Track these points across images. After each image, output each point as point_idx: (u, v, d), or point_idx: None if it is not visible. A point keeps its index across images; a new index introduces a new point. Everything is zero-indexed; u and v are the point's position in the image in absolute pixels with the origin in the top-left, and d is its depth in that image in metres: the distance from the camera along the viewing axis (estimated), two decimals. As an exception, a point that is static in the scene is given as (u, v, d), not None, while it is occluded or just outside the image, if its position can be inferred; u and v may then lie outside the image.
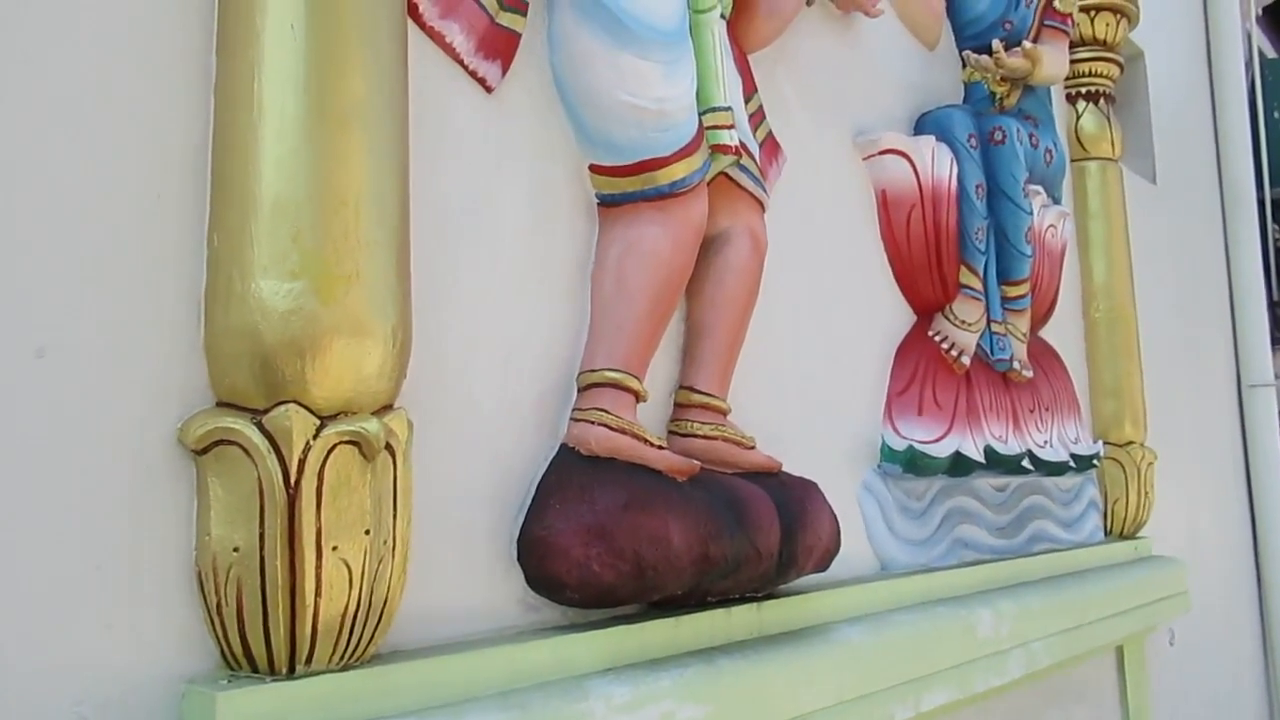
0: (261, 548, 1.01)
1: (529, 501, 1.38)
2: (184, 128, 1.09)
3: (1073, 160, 3.09)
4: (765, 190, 1.74)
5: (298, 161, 1.06)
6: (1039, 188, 2.59)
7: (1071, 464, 2.62)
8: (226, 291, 1.06)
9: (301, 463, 1.03)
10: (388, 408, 1.13)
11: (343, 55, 1.09)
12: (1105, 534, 3.00)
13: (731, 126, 1.59)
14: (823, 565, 1.71)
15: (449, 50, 1.35)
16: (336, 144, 1.08)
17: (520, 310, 1.42)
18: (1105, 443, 2.98)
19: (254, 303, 1.05)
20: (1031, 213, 2.47)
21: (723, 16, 1.67)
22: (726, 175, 1.64)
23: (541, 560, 1.34)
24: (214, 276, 1.08)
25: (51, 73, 1.00)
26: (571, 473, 1.38)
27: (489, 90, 1.41)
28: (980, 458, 2.24)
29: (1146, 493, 3.04)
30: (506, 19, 1.42)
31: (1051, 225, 2.68)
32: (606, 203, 1.53)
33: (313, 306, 1.05)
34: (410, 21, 1.28)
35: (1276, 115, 5.04)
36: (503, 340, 1.39)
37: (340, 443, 1.05)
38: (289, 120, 1.07)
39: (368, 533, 1.07)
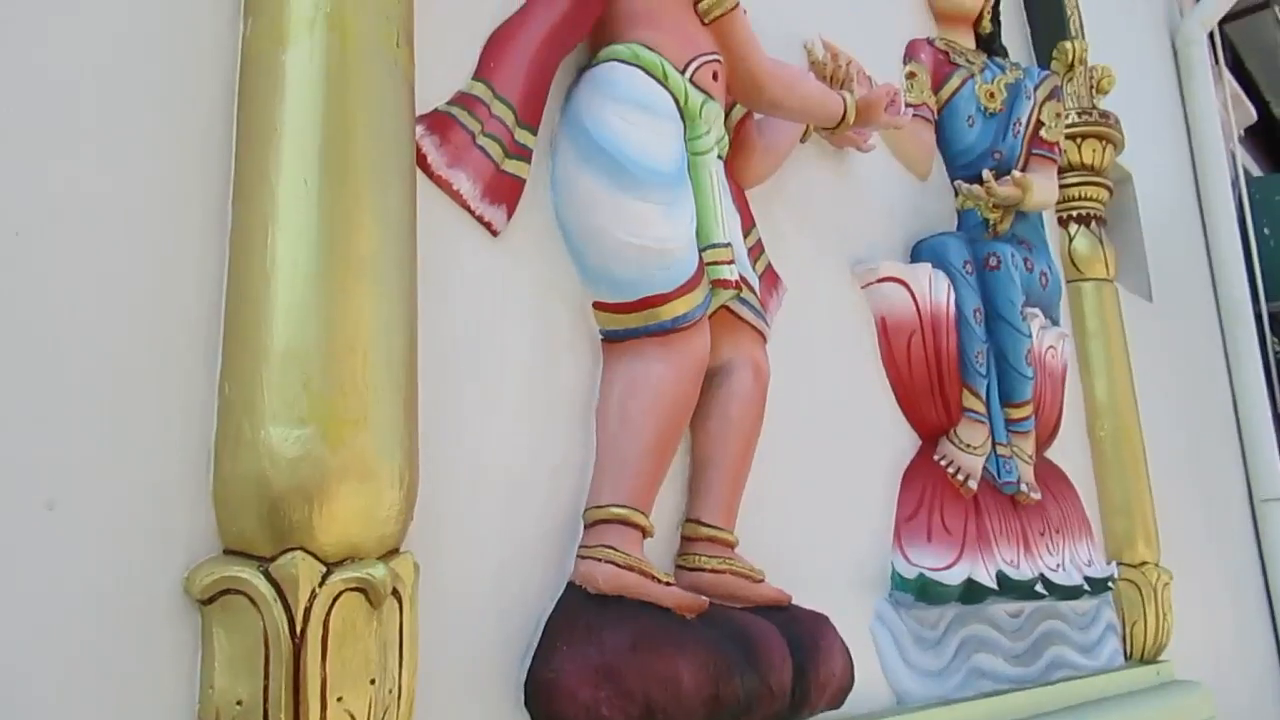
0: (265, 701, 1.00)
1: (536, 642, 1.36)
2: (198, 277, 1.12)
3: (1068, 281, 3.14)
4: (766, 321, 1.77)
5: (309, 310, 1.09)
6: (1036, 310, 2.62)
7: (1086, 587, 2.58)
8: (236, 439, 1.07)
9: (307, 611, 1.02)
10: (394, 551, 1.13)
11: (354, 208, 1.13)
12: (1125, 658, 2.93)
13: (731, 261, 1.63)
14: (836, 702, 1.67)
15: (456, 197, 1.40)
16: (347, 293, 1.10)
17: (526, 447, 1.43)
18: (1119, 563, 2.94)
19: (263, 449, 1.06)
20: (1030, 335, 2.49)
21: (720, 156, 1.72)
22: (728, 308, 1.67)
23: (550, 703, 1.31)
24: (224, 424, 1.09)
25: (69, 218, 1.03)
26: (579, 612, 1.36)
27: (494, 234, 1.45)
28: (993, 584, 2.21)
29: (1165, 614, 2.98)
30: (511, 166, 1.47)
31: (1051, 346, 2.70)
32: (610, 339, 1.56)
33: (321, 452, 1.06)
34: (419, 171, 1.33)
35: (1266, 231, 5.13)
36: (508, 478, 1.39)
37: (346, 590, 1.04)
38: (301, 271, 1.10)
39: (373, 682, 1.05)
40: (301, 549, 1.04)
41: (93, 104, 1.07)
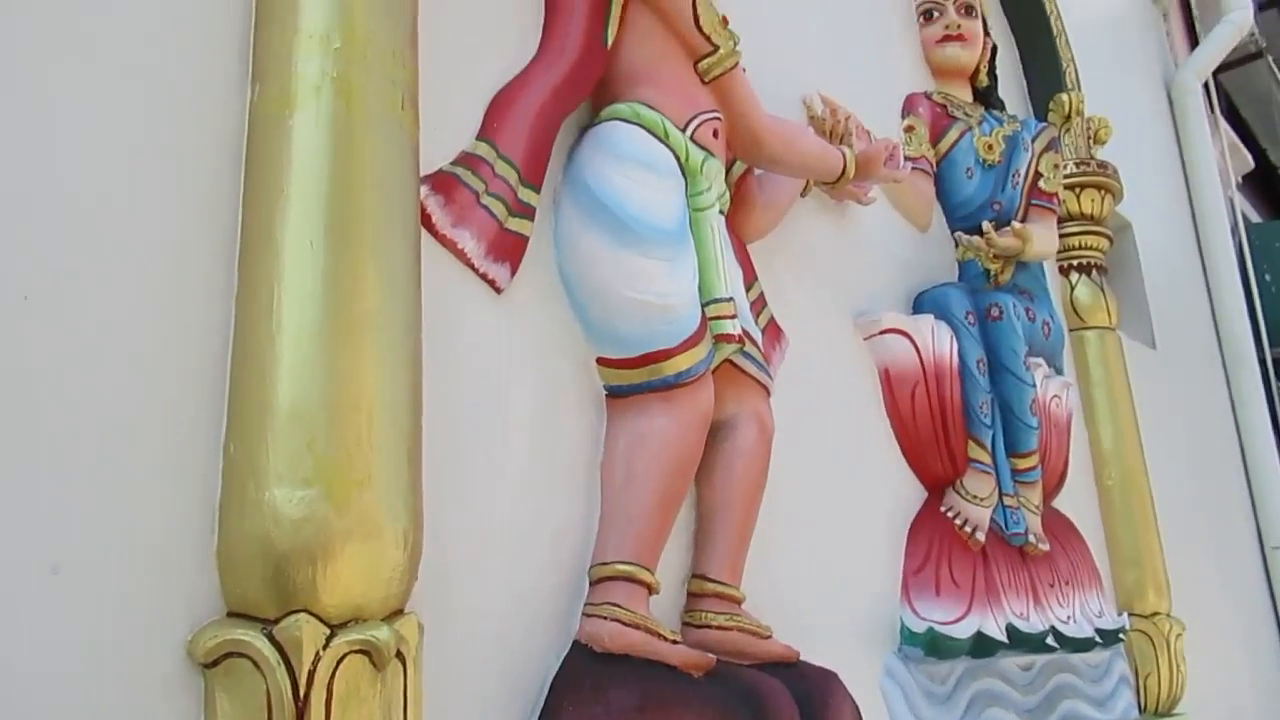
0: (268, 767, 0.99)
1: (542, 702, 1.34)
2: (204, 340, 1.13)
3: (1071, 330, 3.14)
4: (770, 375, 1.77)
5: (314, 370, 1.10)
6: (1040, 360, 2.63)
7: (1097, 639, 2.55)
8: (241, 500, 1.07)
9: (311, 674, 1.01)
10: (398, 612, 1.12)
11: (359, 269, 1.14)
12: (1140, 711, 2.88)
13: (734, 316, 1.64)
14: (847, 760, 1.64)
15: (460, 255, 1.41)
16: (352, 353, 1.11)
17: (530, 505, 1.42)
18: (1130, 614, 2.90)
19: (268, 510, 1.06)
20: (1034, 385, 2.49)
21: (721, 212, 1.74)
22: (731, 362, 1.68)
23: (556, 765, 1.29)
24: (229, 485, 1.09)
25: (77, 281, 1.04)
26: (585, 671, 1.35)
27: (498, 291, 1.46)
28: (1003, 637, 2.19)
29: (1179, 666, 2.94)
30: (514, 224, 1.48)
31: (1055, 396, 2.70)
32: (614, 394, 1.56)
33: (325, 512, 1.06)
34: (424, 230, 1.34)
35: (1268, 278, 5.14)
36: (513, 536, 1.39)
37: (350, 652, 1.03)
38: (306, 331, 1.10)
39: (377, 746, 1.04)
40: (305, 611, 1.03)
41: (102, 167, 1.08)
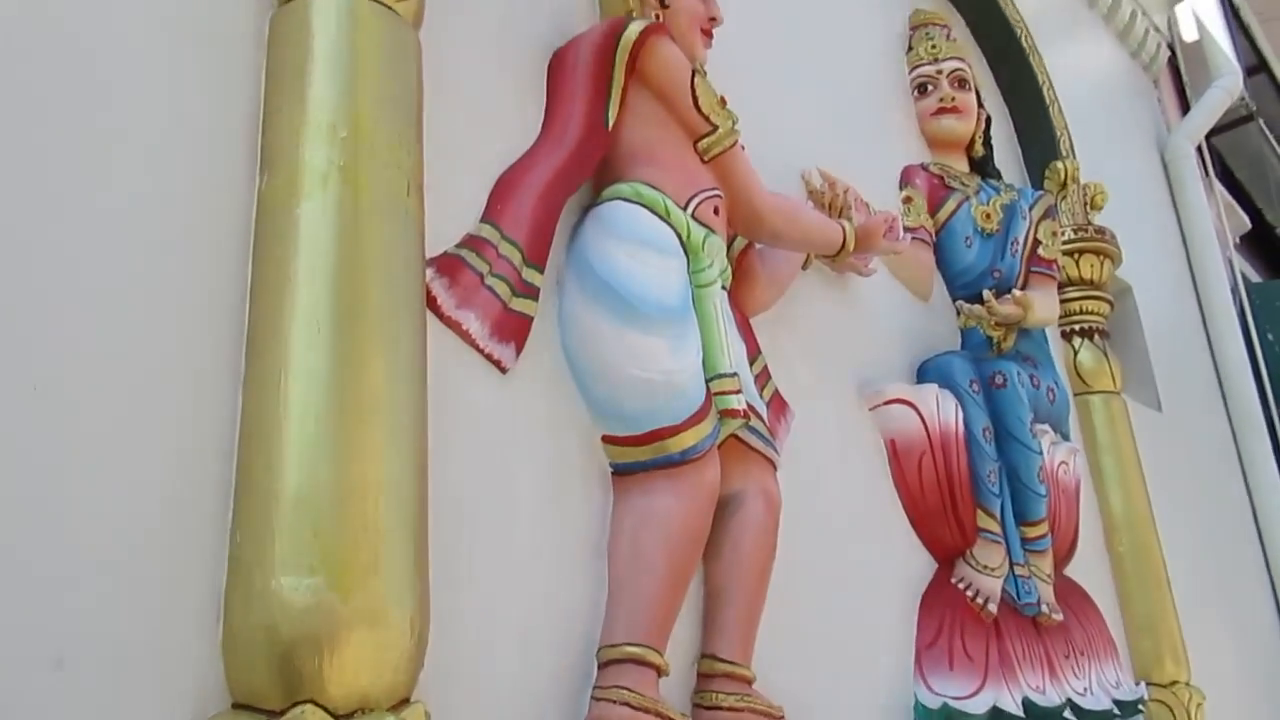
0: None
1: (550, 791, 1.32)
2: (211, 427, 1.13)
3: (1075, 395, 3.14)
4: (775, 449, 1.77)
5: (320, 456, 1.10)
6: (1046, 426, 2.62)
7: (1116, 711, 2.50)
8: (247, 590, 1.07)
9: (316, 768, 1.00)
10: (405, 701, 1.10)
11: (366, 352, 1.15)
12: (1163, 785, 2.81)
13: (738, 391, 1.64)
14: (864, 844, 1.60)
15: (465, 337, 1.42)
16: (358, 437, 1.11)
17: (537, 586, 1.41)
18: (1148, 684, 2.85)
19: (273, 599, 1.05)
20: (1041, 452, 2.48)
21: (724, 287, 1.75)
22: (737, 437, 1.67)
23: None
24: (234, 575, 1.08)
25: (85, 373, 1.05)
26: (595, 757, 1.32)
27: (503, 371, 1.46)
28: (1019, 711, 2.15)
29: (1200, 736, 2.88)
30: (519, 304, 1.49)
31: (1063, 462, 2.69)
32: (620, 472, 1.56)
33: (331, 601, 1.05)
34: (429, 313, 1.35)
35: (1270, 337, 5.14)
36: (520, 618, 1.38)
37: (356, 745, 1.02)
38: (313, 417, 1.11)
39: (384, 841, 1.02)
40: (311, 702, 1.02)
41: (112, 255, 1.10)
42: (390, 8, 1.31)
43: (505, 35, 1.67)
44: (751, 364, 1.85)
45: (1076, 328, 3.23)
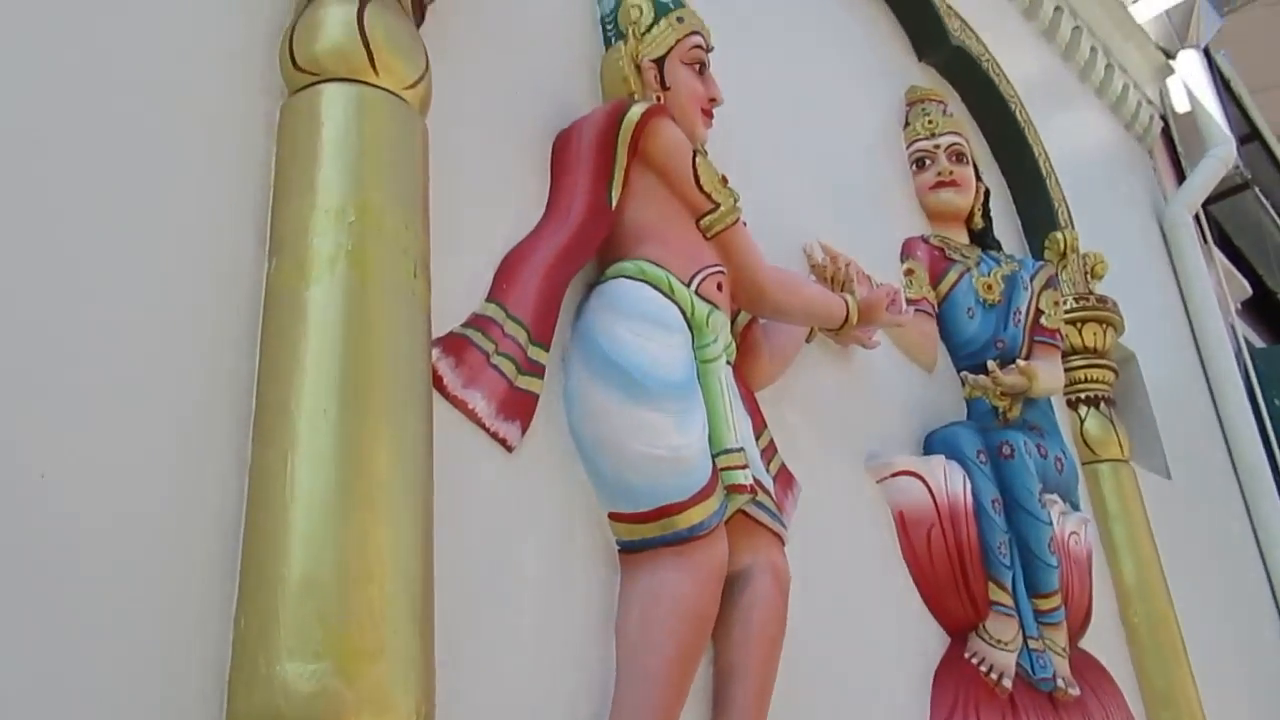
0: None
1: None
2: (218, 512, 1.13)
3: (1083, 464, 3.12)
4: (783, 524, 1.76)
5: (326, 540, 1.09)
6: (1055, 496, 2.60)
7: (1138, 788, 2.44)
8: (251, 675, 1.06)
9: None
10: (411, 789, 1.08)
11: (372, 437, 1.15)
12: None
13: (745, 466, 1.64)
14: None
15: (472, 416, 1.43)
16: (364, 522, 1.11)
17: (545, 667, 1.39)
18: (1169, 760, 2.79)
19: (278, 685, 1.04)
20: (1051, 522, 2.46)
21: (728, 362, 1.76)
22: (744, 513, 1.67)
23: None
24: (239, 660, 1.07)
25: (94, 457, 1.05)
26: (604, 846, 1.29)
27: (510, 449, 1.47)
28: (1038, 790, 2.10)
29: (1225, 814, 2.81)
30: (525, 382, 1.50)
31: (1073, 532, 2.66)
32: (627, 549, 1.55)
33: (337, 687, 1.04)
34: (435, 392, 1.36)
35: (1277, 402, 5.13)
36: (526, 699, 1.36)
37: (361, 837, 1.00)
38: (319, 501, 1.11)
39: None
40: (316, 790, 1.00)
41: (122, 342, 1.11)
42: (398, 95, 1.35)
43: (510, 117, 1.70)
44: (757, 438, 1.85)
45: (1082, 396, 3.22)
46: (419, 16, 1.47)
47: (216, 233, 1.24)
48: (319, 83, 1.31)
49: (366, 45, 1.32)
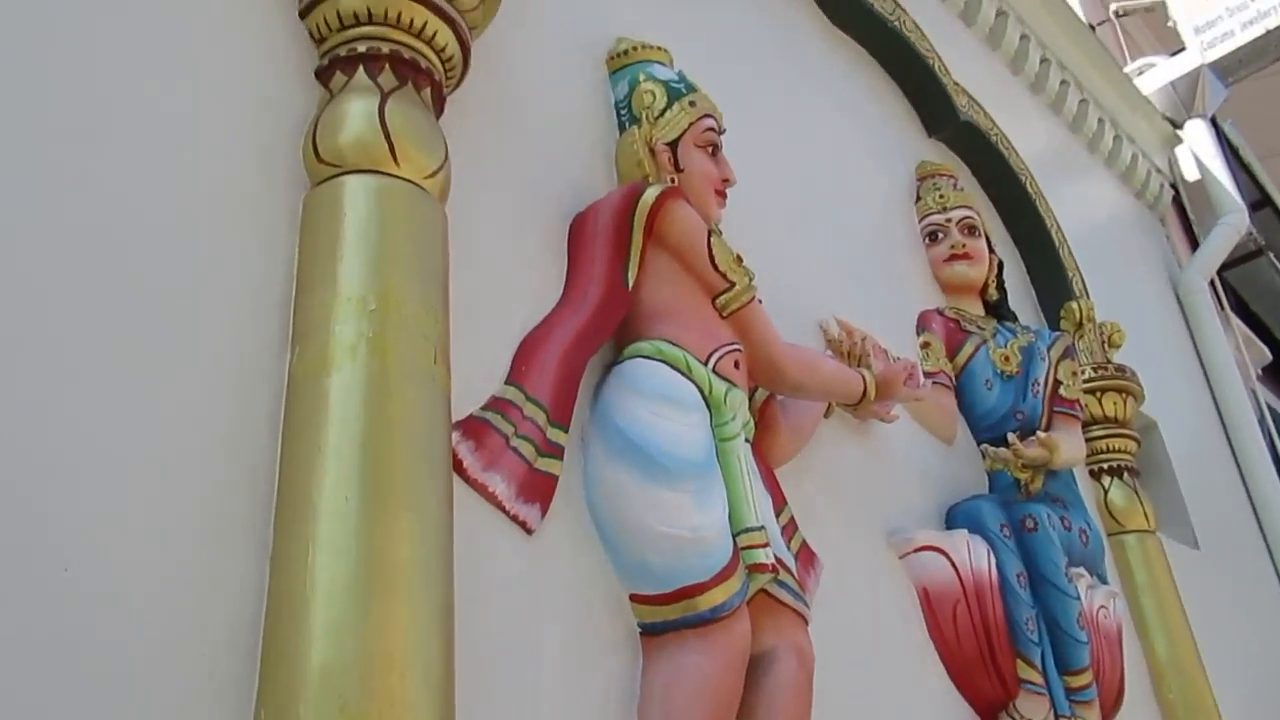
0: None
1: None
2: (238, 602, 1.13)
3: (1109, 535, 3.08)
4: (806, 603, 1.74)
5: (346, 628, 1.09)
6: (1081, 569, 2.56)
7: None
8: (271, 768, 1.04)
9: None
10: None
11: (393, 524, 1.15)
12: None
13: (766, 545, 1.63)
14: None
15: (491, 499, 1.43)
16: (384, 610, 1.11)
17: (567, 756, 1.37)
18: (1212, 843, 2.70)
19: (299, 778, 1.03)
20: (1079, 597, 2.42)
21: (747, 440, 1.76)
22: (766, 592, 1.65)
23: None
24: (259, 753, 1.06)
25: (115, 548, 1.05)
26: None
27: (529, 532, 1.46)
28: None
29: None
30: (544, 464, 1.50)
31: (1102, 606, 2.62)
32: (649, 632, 1.53)
33: (358, 778, 1.03)
34: (455, 476, 1.36)
35: (1304, 468, 5.06)
36: (550, 791, 1.33)
37: None
38: (340, 589, 1.11)
39: None
40: None
41: (145, 433, 1.12)
42: (418, 185, 1.38)
43: (527, 201, 1.73)
44: (778, 516, 1.84)
45: (1104, 466, 3.19)
46: (439, 108, 1.51)
47: (240, 322, 1.26)
48: (342, 174, 1.35)
49: (388, 137, 1.35)
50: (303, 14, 1.47)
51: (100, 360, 1.12)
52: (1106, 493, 3.17)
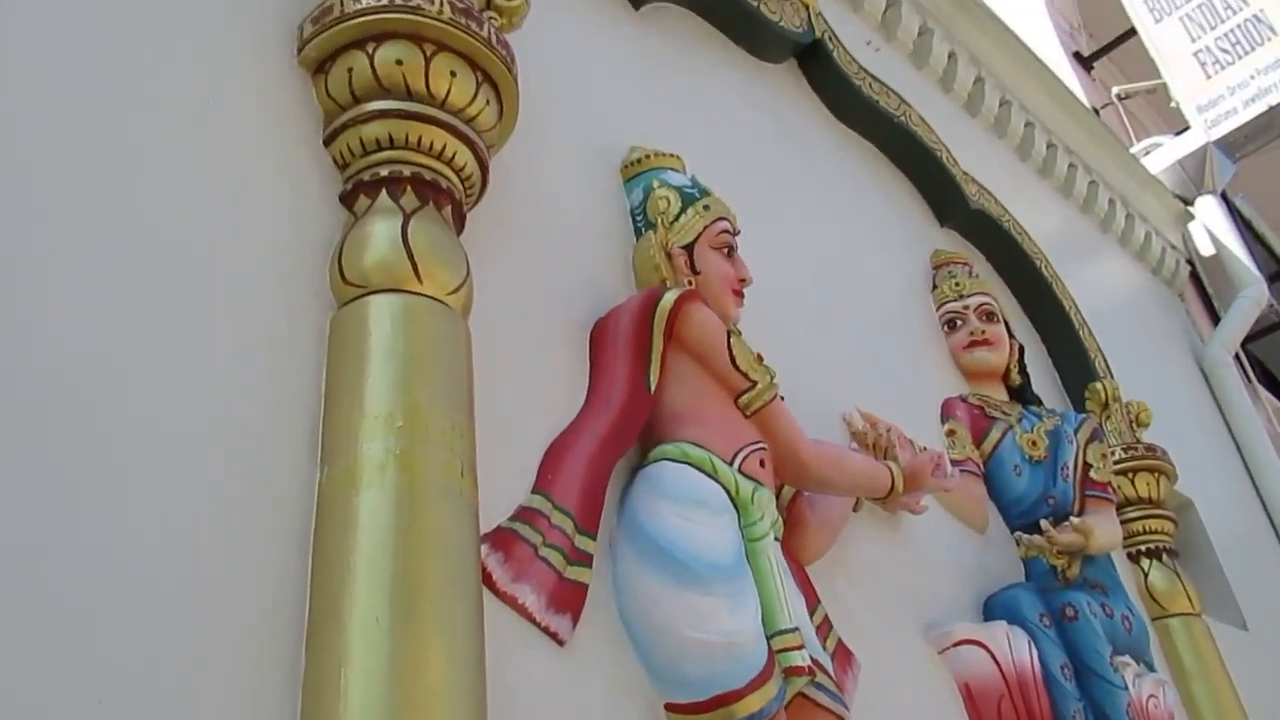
0: None
1: None
2: (271, 728, 1.12)
3: (1153, 620, 3.00)
4: (845, 704, 1.70)
5: (380, 753, 1.07)
6: (1127, 658, 2.50)
7: None
8: None
9: None
10: None
11: (425, 643, 1.14)
12: None
13: (801, 646, 1.60)
14: None
15: (522, 611, 1.42)
16: (418, 732, 1.09)
17: None
18: None
19: None
20: (1126, 687, 2.36)
21: (776, 539, 1.75)
22: (804, 695, 1.62)
23: None
24: None
25: (145, 689, 1.05)
26: None
27: (561, 643, 1.45)
28: None
29: None
30: (573, 573, 1.50)
31: (1152, 695, 2.54)
32: (685, 742, 1.50)
33: None
34: (485, 588, 1.35)
35: (1349, 539, 4.94)
36: None
37: None
38: (373, 712, 1.09)
39: None
40: None
41: (175, 549, 1.13)
42: (441, 301, 1.40)
43: (547, 310, 1.76)
44: (811, 615, 1.81)
45: (1143, 548, 3.14)
46: (459, 225, 1.55)
47: (270, 441, 1.28)
48: (367, 294, 1.37)
49: (411, 257, 1.38)
50: (326, 141, 1.53)
51: (132, 480, 1.14)
52: (1147, 576, 3.10)
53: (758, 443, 1.77)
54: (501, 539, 1.44)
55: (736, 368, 1.78)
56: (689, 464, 1.67)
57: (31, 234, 1.19)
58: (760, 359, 1.84)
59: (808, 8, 2.90)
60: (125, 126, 1.33)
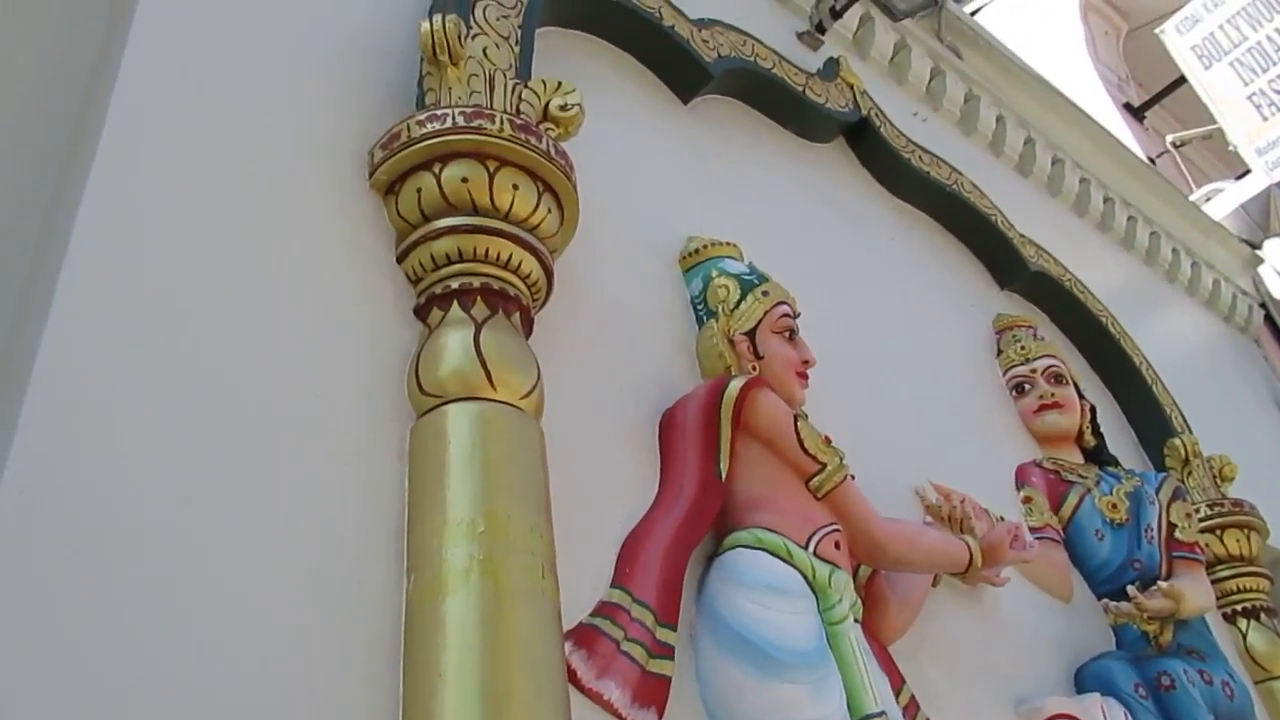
0: None
1: None
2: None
3: (1256, 683, 2.88)
4: (938, 789, 1.67)
5: None
6: (1231, 727, 2.41)
7: None
8: None
9: None
10: None
11: (515, 746, 1.17)
12: None
13: (889, 731, 1.59)
14: None
15: (608, 707, 1.43)
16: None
17: None
18: None
19: None
20: (1232, 757, 2.27)
21: (856, 620, 1.74)
22: (896, 780, 1.60)
23: None
24: None
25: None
26: None
27: (650, 741, 1.45)
28: None
29: None
30: (656, 666, 1.51)
31: (1260, 764, 2.44)
32: (777, 836, 1.49)
33: None
34: (570, 686, 1.37)
35: None
36: None
37: None
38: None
39: None
40: None
41: (267, 661, 1.17)
42: (515, 406, 1.45)
43: (616, 405, 1.80)
44: (897, 696, 1.79)
45: (1238, 608, 3.03)
46: (527, 329, 1.60)
47: (357, 554, 1.32)
48: (444, 404, 1.43)
49: (484, 365, 1.44)
50: (399, 259, 1.60)
51: (226, 601, 1.19)
52: (1245, 637, 2.99)
53: (832, 524, 1.78)
54: (584, 636, 1.46)
55: (805, 451, 1.79)
56: (763, 550, 1.68)
57: (131, 358, 1.26)
58: (828, 440, 1.85)
59: (852, 87, 2.96)
60: (214, 257, 1.41)
